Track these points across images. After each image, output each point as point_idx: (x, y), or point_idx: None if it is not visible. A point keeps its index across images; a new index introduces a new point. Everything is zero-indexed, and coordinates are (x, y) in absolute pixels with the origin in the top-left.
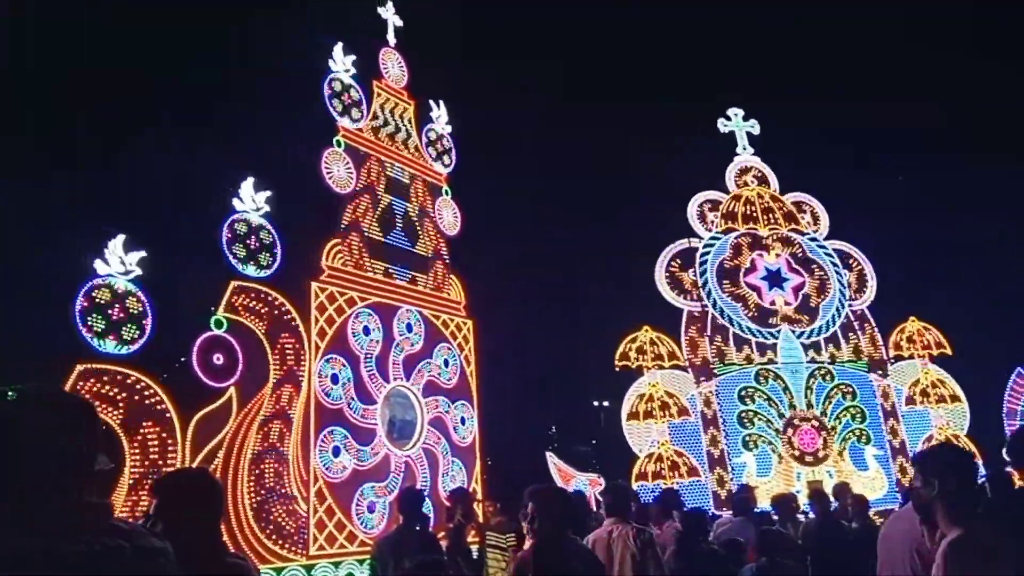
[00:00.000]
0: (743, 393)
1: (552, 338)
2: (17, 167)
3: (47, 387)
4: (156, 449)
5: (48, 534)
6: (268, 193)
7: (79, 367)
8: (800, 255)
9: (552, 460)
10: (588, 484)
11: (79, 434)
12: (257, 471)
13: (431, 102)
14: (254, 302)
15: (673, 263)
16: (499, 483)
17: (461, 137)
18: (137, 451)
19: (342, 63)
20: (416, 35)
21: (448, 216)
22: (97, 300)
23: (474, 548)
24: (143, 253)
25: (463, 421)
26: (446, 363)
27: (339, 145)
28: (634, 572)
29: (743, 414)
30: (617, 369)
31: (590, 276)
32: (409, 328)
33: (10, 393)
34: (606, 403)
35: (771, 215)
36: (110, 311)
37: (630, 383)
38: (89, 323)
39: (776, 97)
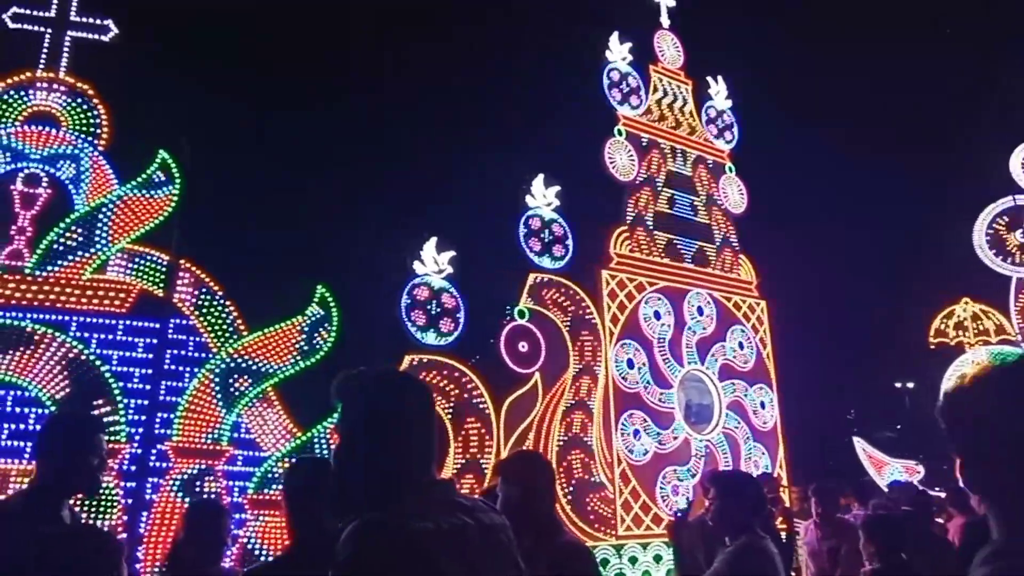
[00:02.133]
0: None
1: (851, 317)
2: (355, 183)
3: (394, 369)
4: (475, 443)
5: (403, 509)
6: (557, 187)
7: (407, 357)
8: None
9: (861, 446)
10: (904, 472)
11: (429, 412)
12: (564, 452)
13: (709, 79)
14: (551, 292)
15: (997, 223)
16: (803, 468)
17: (747, 110)
18: (460, 445)
19: (618, 51)
20: (692, 10)
21: (734, 194)
22: (417, 297)
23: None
24: (453, 252)
25: (763, 405)
26: (740, 345)
27: (620, 134)
28: None
29: None
30: (932, 347)
31: (893, 247)
32: (700, 311)
33: (358, 373)
34: (910, 384)
35: None
36: (429, 306)
37: (945, 363)
38: (413, 318)
39: None
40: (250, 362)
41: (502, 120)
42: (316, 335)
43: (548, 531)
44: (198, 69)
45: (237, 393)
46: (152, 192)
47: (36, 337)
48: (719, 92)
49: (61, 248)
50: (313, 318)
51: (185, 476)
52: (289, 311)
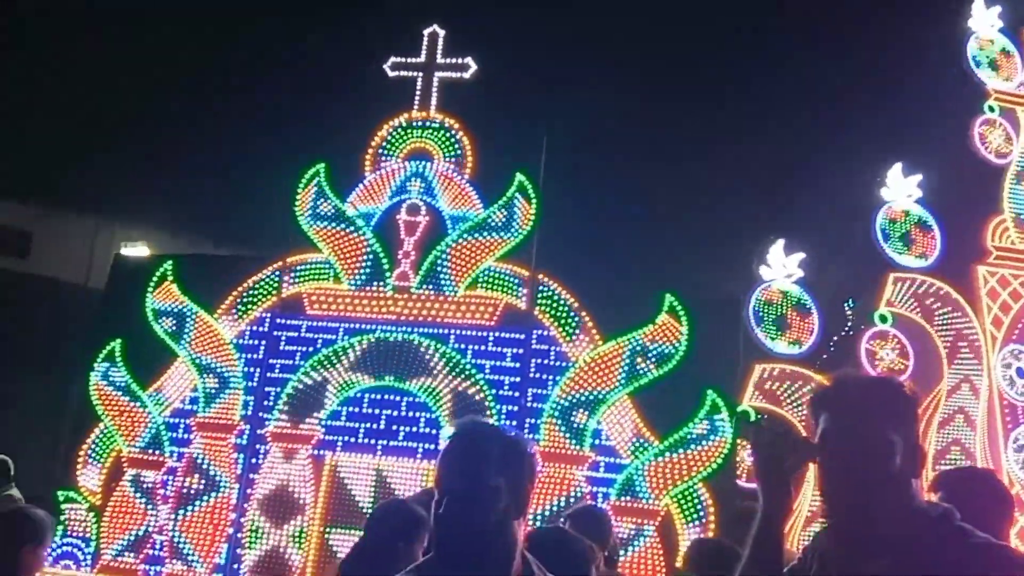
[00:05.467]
0: None
1: None
2: (699, 185)
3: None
4: None
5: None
6: (918, 176)
7: (757, 367)
8: None
9: None
10: None
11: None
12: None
13: None
14: (918, 293)
15: None
16: None
17: None
18: None
19: (984, 17)
20: None
21: None
22: (766, 304)
23: None
24: (801, 255)
25: None
26: None
27: (992, 110)
28: None
29: None
30: None
31: None
32: None
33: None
34: None
35: None
36: (779, 313)
37: None
38: (762, 326)
39: None
40: (601, 378)
41: (851, 106)
42: (665, 343)
43: None
44: (552, 92)
45: (592, 404)
46: (512, 214)
47: (422, 350)
48: None
49: (439, 268)
50: (666, 325)
51: (551, 480)
52: (639, 320)
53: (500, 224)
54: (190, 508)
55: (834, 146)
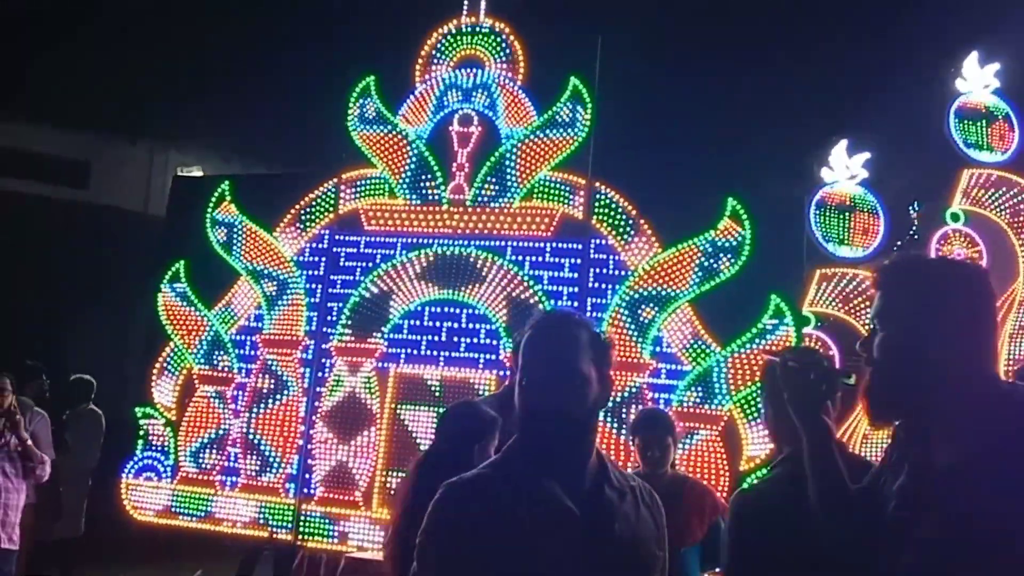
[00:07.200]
0: None
1: None
2: (759, 85)
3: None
4: None
5: None
6: (996, 66)
7: (817, 272)
8: None
9: None
10: None
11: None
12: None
13: None
14: (991, 189)
15: None
16: None
17: None
18: None
19: None
20: None
21: None
22: (827, 207)
23: None
24: (867, 154)
25: None
26: None
27: None
28: None
29: None
30: None
31: None
32: None
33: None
34: None
35: None
36: (840, 216)
37: None
38: (822, 230)
39: None
40: (660, 286)
41: None
42: (725, 254)
43: None
44: None
45: (651, 312)
46: (566, 120)
47: (479, 263)
48: None
49: (493, 180)
50: (728, 230)
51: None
52: (700, 225)
53: (554, 131)
54: (261, 421)
55: (904, 34)
